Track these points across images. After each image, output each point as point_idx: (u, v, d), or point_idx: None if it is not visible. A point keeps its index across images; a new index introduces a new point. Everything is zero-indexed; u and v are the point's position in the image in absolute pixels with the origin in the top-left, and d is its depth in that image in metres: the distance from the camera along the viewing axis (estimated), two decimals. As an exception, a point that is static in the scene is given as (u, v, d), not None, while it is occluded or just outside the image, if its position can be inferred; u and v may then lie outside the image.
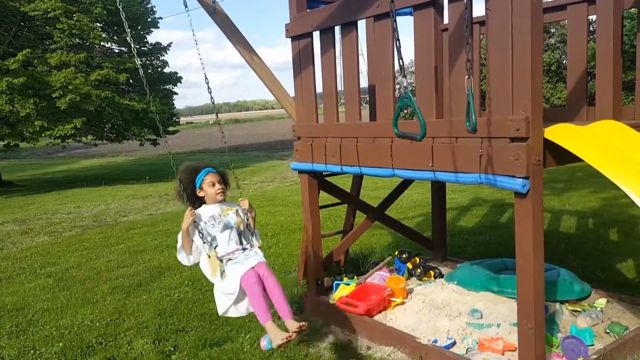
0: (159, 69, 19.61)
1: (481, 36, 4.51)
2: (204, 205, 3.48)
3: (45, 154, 37.09)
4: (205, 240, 3.30)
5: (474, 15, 3.67)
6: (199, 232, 3.28)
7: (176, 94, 20.38)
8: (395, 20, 2.70)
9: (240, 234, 3.45)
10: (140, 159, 27.37)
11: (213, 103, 3.71)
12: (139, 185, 15.60)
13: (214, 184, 3.47)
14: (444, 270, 4.94)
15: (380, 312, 4.08)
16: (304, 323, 2.99)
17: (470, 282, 4.33)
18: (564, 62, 17.81)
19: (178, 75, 19.81)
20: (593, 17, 3.94)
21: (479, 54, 4.38)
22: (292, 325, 2.99)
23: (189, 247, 3.37)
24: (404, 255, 4.94)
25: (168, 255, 6.66)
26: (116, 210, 10.95)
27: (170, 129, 19.92)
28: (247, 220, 3.54)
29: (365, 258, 5.67)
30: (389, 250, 6.01)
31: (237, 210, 3.51)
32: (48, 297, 5.28)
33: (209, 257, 3.33)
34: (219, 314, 3.26)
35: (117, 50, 18.90)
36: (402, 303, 4.18)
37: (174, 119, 20.68)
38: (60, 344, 4.11)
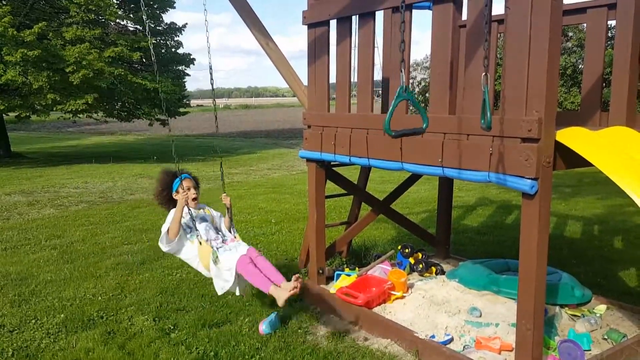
0: (173, 49, 19.61)
1: (498, 35, 4.48)
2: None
3: (55, 128, 37.26)
4: (186, 231, 3.68)
5: (493, 13, 3.65)
6: (192, 220, 3.65)
7: (188, 75, 20.38)
8: (403, 13, 2.69)
9: (215, 227, 3.89)
10: (150, 139, 27.46)
11: (213, 88, 3.78)
12: (146, 165, 15.66)
13: (189, 189, 3.83)
14: (446, 267, 4.95)
15: (379, 304, 4.10)
16: (297, 275, 3.36)
17: (472, 281, 4.34)
18: (580, 66, 17.66)
19: (191, 56, 19.79)
20: (612, 23, 3.91)
21: (495, 52, 4.36)
22: (289, 283, 3.36)
23: (175, 233, 3.62)
24: (406, 250, 4.95)
25: (172, 235, 6.70)
26: (123, 188, 11.01)
27: (181, 110, 19.95)
28: (224, 218, 3.98)
29: (367, 250, 5.69)
30: (392, 244, 6.02)
31: (207, 211, 3.99)
32: (52, 269, 5.33)
33: (200, 243, 3.63)
34: (218, 294, 3.67)
35: (132, 28, 18.91)
36: (402, 297, 4.20)
37: (184, 100, 20.71)
38: (62, 315, 4.16)
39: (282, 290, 3.31)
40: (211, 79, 3.76)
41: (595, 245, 6.25)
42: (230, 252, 3.61)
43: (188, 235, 3.72)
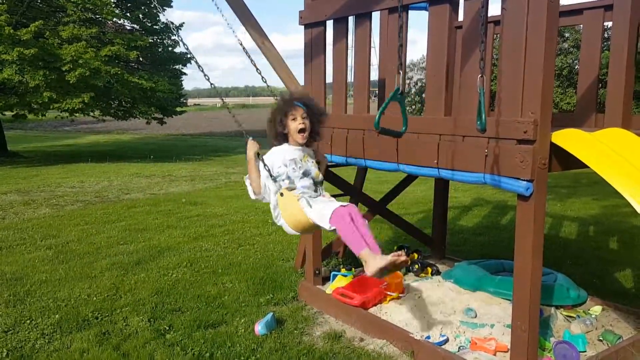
0: (170, 48, 19.58)
1: (495, 36, 4.48)
2: (285, 144, 3.24)
3: (51, 126, 37.17)
4: (279, 181, 3.09)
5: (489, 14, 3.65)
6: (270, 174, 3.07)
7: (185, 74, 20.35)
8: (402, 16, 2.70)
9: (316, 184, 3.23)
10: (146, 138, 27.42)
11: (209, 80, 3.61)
12: (143, 164, 15.63)
13: (295, 118, 3.18)
14: (442, 268, 4.95)
15: (375, 305, 4.10)
16: (400, 252, 2.73)
17: (467, 281, 4.34)
18: (576, 67, 17.72)
19: (188, 55, 19.76)
20: (608, 24, 3.91)
21: (491, 53, 4.36)
22: (387, 256, 2.69)
23: (256, 177, 3.17)
24: (402, 251, 4.95)
25: (168, 235, 6.69)
26: (119, 188, 10.98)
27: (178, 109, 19.93)
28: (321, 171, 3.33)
29: (364, 251, 5.68)
30: (388, 244, 6.02)
31: (313, 157, 3.30)
32: (47, 269, 5.32)
33: (281, 194, 3.02)
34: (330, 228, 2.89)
35: (129, 27, 18.87)
36: (398, 298, 4.20)
37: (181, 99, 20.69)
38: (57, 315, 4.15)
39: (378, 258, 2.70)
40: (206, 77, 3.60)
41: (590, 246, 6.27)
42: (327, 202, 3.02)
43: (275, 184, 3.09)
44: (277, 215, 3.16)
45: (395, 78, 2.76)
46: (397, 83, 2.78)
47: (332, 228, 2.88)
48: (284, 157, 3.18)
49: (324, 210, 2.90)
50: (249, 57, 3.51)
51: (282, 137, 3.26)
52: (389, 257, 2.65)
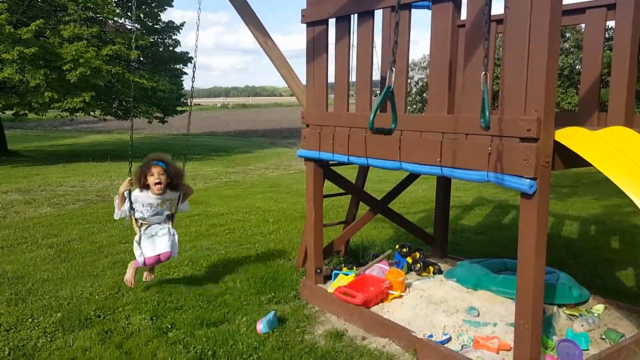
0: (171, 48, 19.57)
1: (497, 34, 4.48)
2: (148, 192, 4.37)
3: (51, 126, 37.17)
4: (136, 217, 4.40)
5: (492, 12, 3.65)
6: (130, 204, 4.34)
7: (186, 74, 20.35)
8: (398, 14, 2.69)
9: (165, 218, 4.53)
10: (147, 137, 27.39)
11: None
12: (143, 163, 15.61)
13: (152, 175, 4.30)
14: (444, 267, 4.95)
15: (377, 304, 4.10)
16: (152, 277, 4.72)
17: (469, 280, 4.34)
18: (577, 67, 17.72)
19: (189, 55, 19.76)
20: (610, 23, 3.91)
21: (494, 51, 4.36)
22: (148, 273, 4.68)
23: (121, 205, 4.39)
24: (404, 250, 4.95)
25: (169, 234, 6.69)
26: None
27: (178, 109, 19.92)
28: (177, 204, 4.59)
29: (365, 250, 5.69)
30: (390, 243, 6.03)
31: (172, 201, 4.52)
32: (48, 268, 5.32)
33: (136, 220, 4.46)
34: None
35: (129, 27, 18.86)
36: (400, 296, 4.20)
37: (181, 99, 20.68)
38: (59, 314, 4.15)
39: (131, 270, 4.49)
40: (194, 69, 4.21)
41: (592, 245, 6.27)
42: (151, 246, 4.40)
43: (131, 212, 4.39)
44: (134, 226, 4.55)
45: (388, 75, 2.77)
46: (390, 81, 2.78)
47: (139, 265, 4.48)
48: (144, 201, 4.38)
49: (139, 255, 4.41)
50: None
51: (146, 187, 4.36)
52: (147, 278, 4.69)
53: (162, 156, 4.43)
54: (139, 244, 4.39)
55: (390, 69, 2.79)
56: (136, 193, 4.38)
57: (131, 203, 4.34)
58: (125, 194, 4.36)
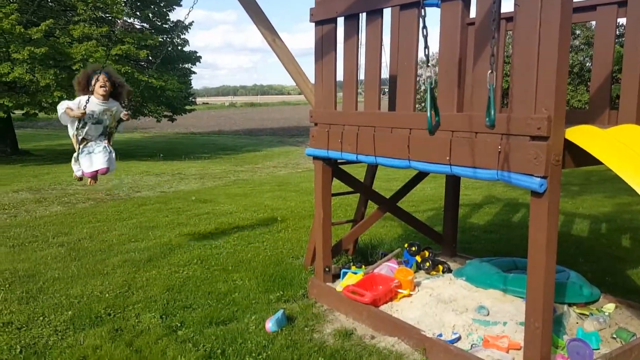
0: (179, 47, 19.64)
1: (507, 32, 4.46)
2: (92, 97, 4.76)
3: (61, 125, 37.33)
4: (77, 125, 4.80)
5: (502, 10, 3.64)
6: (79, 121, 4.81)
7: (194, 73, 20.42)
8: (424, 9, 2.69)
9: (104, 130, 5.00)
10: (156, 136, 27.53)
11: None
12: (153, 162, 15.71)
13: (97, 81, 4.76)
14: (453, 265, 4.93)
15: (386, 302, 4.09)
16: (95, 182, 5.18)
17: (479, 279, 4.32)
18: (587, 64, 17.59)
19: (197, 54, 19.83)
20: (621, 20, 3.88)
21: (503, 49, 4.33)
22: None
23: (65, 120, 4.88)
24: (413, 248, 4.94)
25: (178, 232, 6.73)
26: (129, 186, 11.05)
27: (187, 107, 20.00)
28: (116, 123, 5.12)
29: (374, 248, 5.68)
30: (399, 242, 6.01)
31: (114, 112, 4.96)
32: (59, 266, 5.36)
33: (73, 135, 4.85)
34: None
35: (138, 26, 18.94)
36: (409, 295, 4.19)
37: (190, 98, 20.76)
38: (69, 312, 4.18)
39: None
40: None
41: (603, 243, 6.22)
42: (89, 160, 4.88)
43: (75, 123, 4.82)
44: (70, 133, 4.98)
45: (425, 71, 2.75)
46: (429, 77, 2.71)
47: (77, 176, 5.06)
48: (89, 107, 4.75)
49: (77, 170, 4.98)
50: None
51: (90, 93, 4.78)
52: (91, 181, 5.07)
53: (106, 66, 4.92)
54: (77, 160, 4.89)
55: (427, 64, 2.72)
56: (81, 98, 4.78)
57: (85, 107, 4.71)
58: (83, 100, 4.73)
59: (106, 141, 5.01)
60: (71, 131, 4.92)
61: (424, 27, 2.66)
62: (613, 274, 4.99)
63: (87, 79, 4.80)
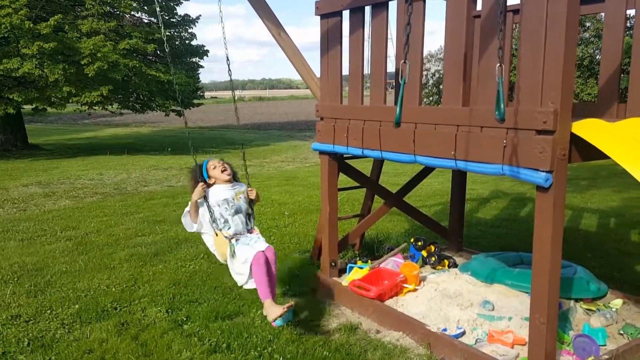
0: (187, 41, 19.63)
1: (514, 25, 4.41)
2: (216, 185, 3.85)
3: (71, 120, 37.60)
4: (216, 221, 3.69)
5: (508, 2, 3.60)
6: (209, 210, 3.68)
7: (202, 67, 20.39)
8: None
9: (246, 217, 3.89)
10: (164, 130, 27.60)
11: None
12: (160, 157, 15.75)
13: (215, 167, 3.88)
14: (459, 260, 4.92)
15: (391, 297, 4.08)
16: (291, 303, 3.46)
17: (484, 274, 4.30)
18: (597, 57, 17.39)
19: (205, 48, 19.80)
20: (630, 12, 3.82)
21: (510, 42, 4.29)
22: (280, 306, 3.39)
23: (195, 217, 3.78)
24: (419, 243, 4.93)
25: (185, 227, 6.75)
26: (137, 180, 11.09)
27: (195, 101, 20.01)
28: (251, 206, 3.99)
29: (380, 243, 5.67)
30: (405, 236, 6.00)
31: (245, 193, 3.94)
32: (67, 260, 5.39)
33: (216, 235, 3.69)
34: (241, 285, 3.67)
35: (146, 21, 18.96)
36: (414, 290, 4.18)
37: (198, 92, 20.76)
38: (76, 306, 4.21)
39: (277, 308, 3.37)
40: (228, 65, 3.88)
41: (611, 238, 6.17)
42: (250, 247, 3.60)
43: (213, 225, 3.69)
44: (212, 246, 3.83)
45: (401, 68, 2.76)
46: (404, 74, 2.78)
47: (242, 284, 3.65)
48: (218, 198, 3.77)
49: (242, 268, 3.57)
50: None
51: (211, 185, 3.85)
52: (282, 308, 3.33)
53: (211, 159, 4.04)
54: (234, 255, 3.60)
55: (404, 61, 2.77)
56: (210, 191, 3.78)
57: (209, 207, 3.68)
58: (199, 202, 3.73)
59: (255, 231, 3.89)
60: (209, 240, 3.81)
61: (408, 24, 2.68)
62: (621, 269, 4.95)
63: (198, 173, 3.80)
